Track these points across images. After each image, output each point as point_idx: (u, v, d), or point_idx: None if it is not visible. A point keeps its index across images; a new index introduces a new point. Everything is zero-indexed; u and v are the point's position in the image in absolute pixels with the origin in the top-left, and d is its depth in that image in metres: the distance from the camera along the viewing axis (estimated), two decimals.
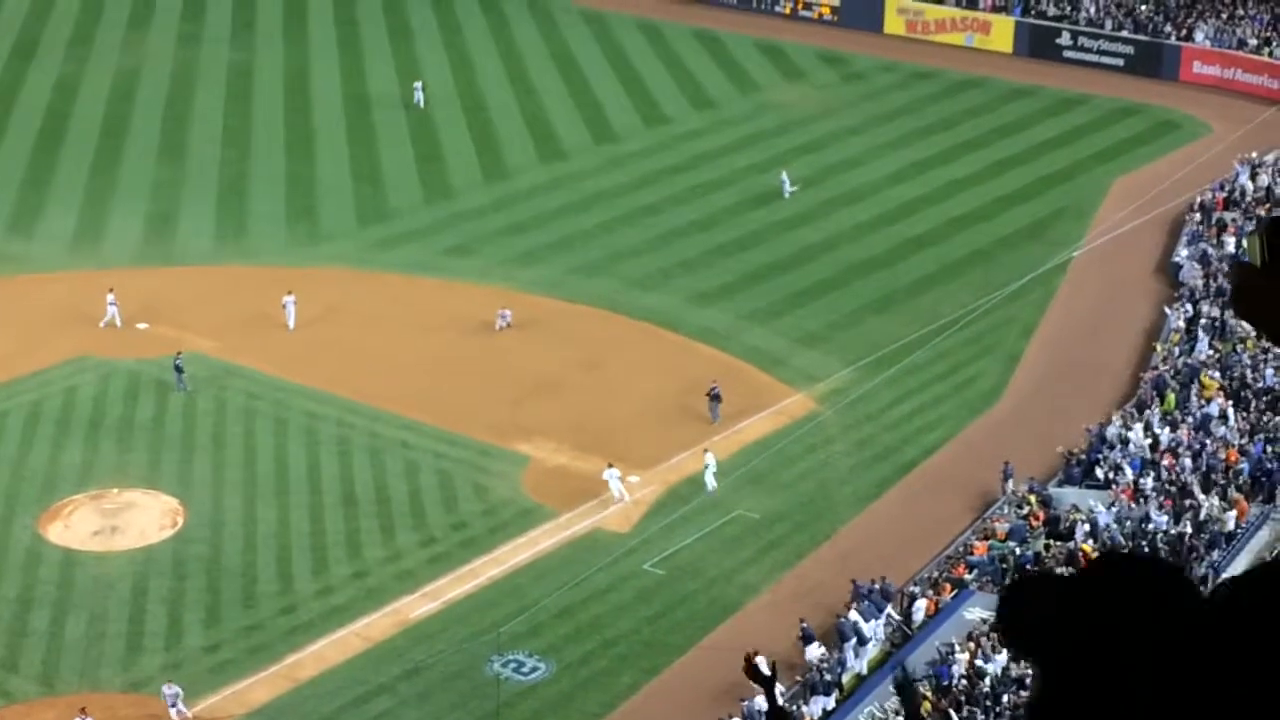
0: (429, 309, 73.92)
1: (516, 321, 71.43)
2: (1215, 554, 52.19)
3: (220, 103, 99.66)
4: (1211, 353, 65.39)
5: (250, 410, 64.71)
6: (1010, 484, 58.87)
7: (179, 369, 65.80)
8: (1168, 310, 71.07)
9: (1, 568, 54.37)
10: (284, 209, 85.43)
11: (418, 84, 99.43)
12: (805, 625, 50.28)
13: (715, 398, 63.80)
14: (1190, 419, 60.50)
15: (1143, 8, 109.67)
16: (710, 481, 59.31)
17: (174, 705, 47.45)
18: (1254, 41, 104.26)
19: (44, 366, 67.77)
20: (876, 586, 52.11)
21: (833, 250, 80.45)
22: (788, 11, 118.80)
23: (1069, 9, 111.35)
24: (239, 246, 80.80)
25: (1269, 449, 57.92)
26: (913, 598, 52.41)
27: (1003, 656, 46.95)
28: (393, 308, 73.85)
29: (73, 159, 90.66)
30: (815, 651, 49.52)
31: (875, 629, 51.06)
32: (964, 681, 46.96)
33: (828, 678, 48.57)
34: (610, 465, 59.15)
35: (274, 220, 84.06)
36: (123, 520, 57.39)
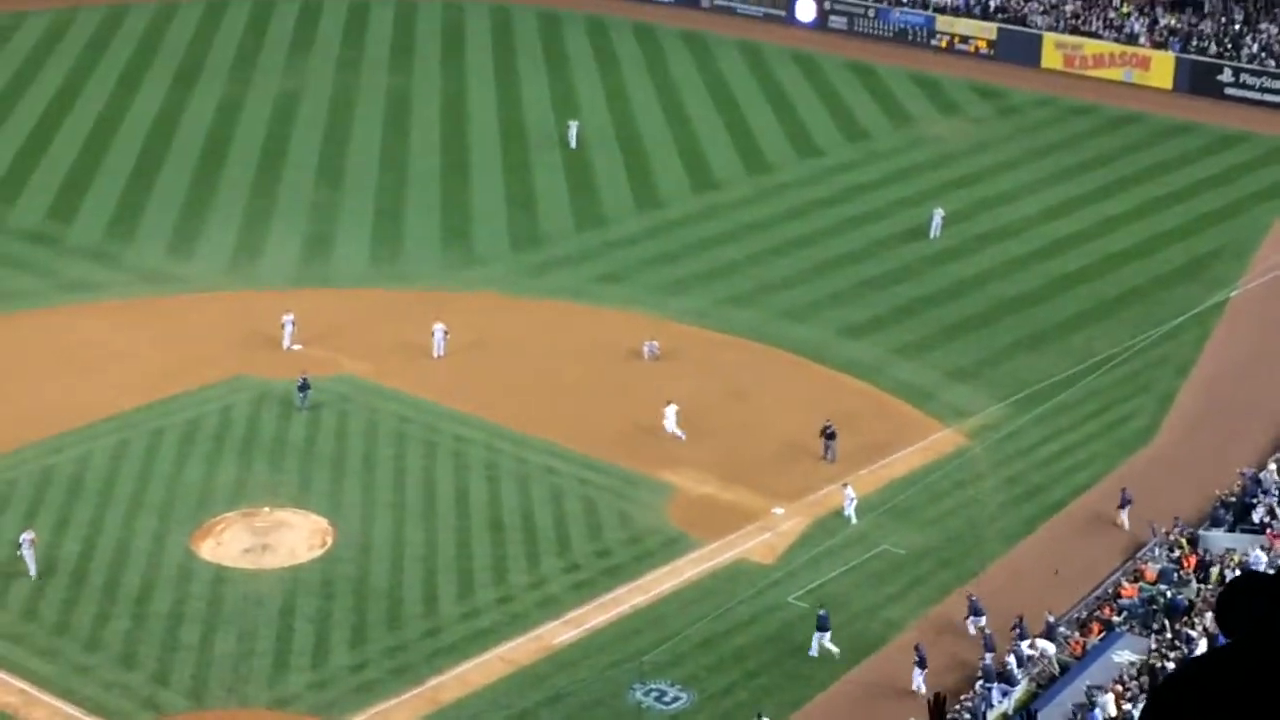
0: (578, 336, 74.17)
1: (664, 350, 71.49)
2: None
3: (378, 127, 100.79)
4: None
5: (401, 434, 65.24)
6: (1125, 512, 58.59)
7: (303, 388, 66.56)
8: None
9: (154, 582, 55.19)
10: (438, 233, 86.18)
11: (572, 123, 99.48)
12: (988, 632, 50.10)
13: (830, 436, 63.45)
14: None
15: None
16: (851, 516, 59.07)
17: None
18: None
19: (201, 385, 68.80)
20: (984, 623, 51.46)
21: (984, 285, 79.76)
22: (944, 45, 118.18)
23: (1230, 46, 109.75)
24: (393, 269, 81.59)
25: None
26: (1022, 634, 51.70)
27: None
28: (543, 334, 74.19)
29: (233, 181, 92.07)
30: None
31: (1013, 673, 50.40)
32: None
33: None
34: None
35: (428, 244, 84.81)
36: (273, 539, 58.05)
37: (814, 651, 51.98)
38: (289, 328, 72.02)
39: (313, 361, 69.72)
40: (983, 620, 52.56)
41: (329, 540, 57.90)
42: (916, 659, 49.72)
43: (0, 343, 72.24)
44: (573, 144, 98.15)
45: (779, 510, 60.02)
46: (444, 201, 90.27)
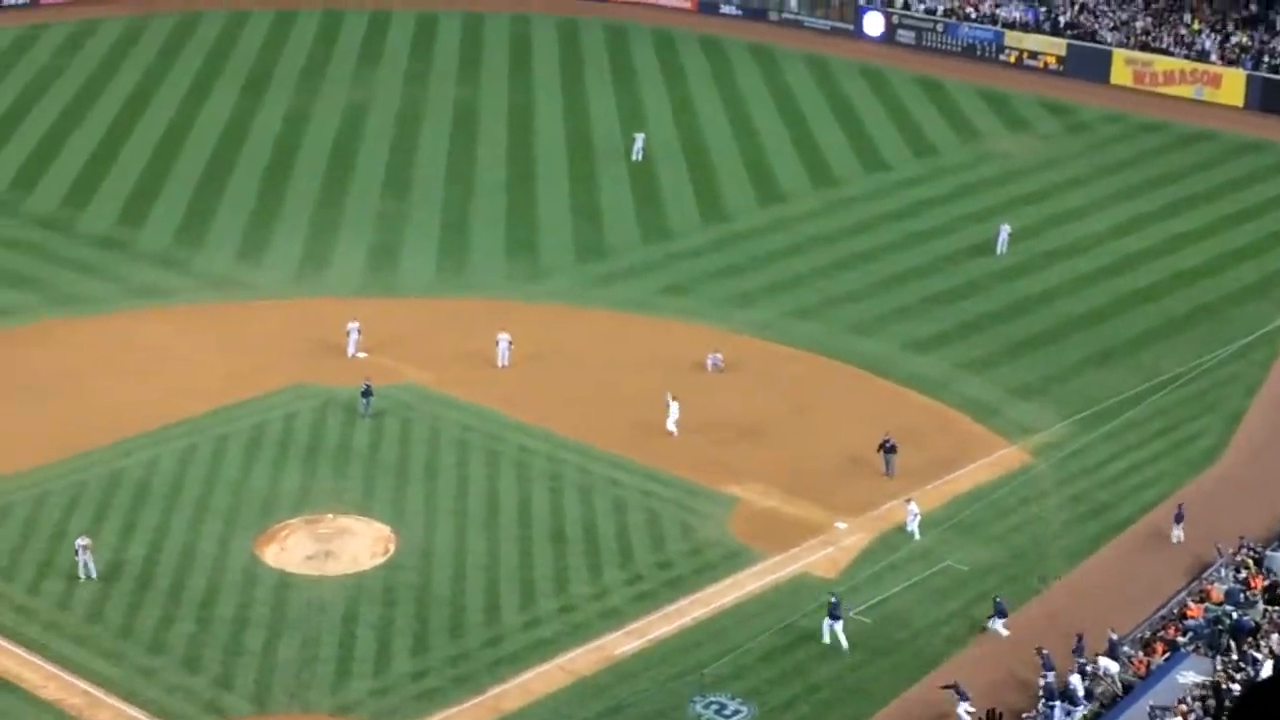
0: (643, 347, 74.23)
1: (728, 362, 71.49)
2: None
3: (445, 138, 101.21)
4: None
5: (463, 442, 65.45)
6: (1179, 529, 58.41)
7: (366, 394, 66.85)
8: None
9: (219, 587, 55.53)
10: (504, 244, 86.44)
11: (638, 135, 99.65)
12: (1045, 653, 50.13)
13: (890, 450, 63.28)
14: None
15: None
16: (914, 531, 58.96)
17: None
18: None
19: (266, 392, 69.21)
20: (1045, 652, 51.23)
21: (1051, 302, 79.41)
22: (1013, 60, 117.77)
23: None
24: (459, 280, 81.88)
25: None
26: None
27: None
28: (607, 345, 74.30)
29: (300, 190, 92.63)
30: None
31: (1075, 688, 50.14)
32: None
33: None
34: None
35: (494, 254, 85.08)
36: (336, 545, 58.30)
37: (825, 638, 52.61)
38: (354, 335, 72.38)
39: (377, 369, 70.03)
40: (999, 624, 53.47)
41: (391, 547, 58.11)
42: (957, 694, 49.42)
43: (71, 347, 72.91)
44: (638, 156, 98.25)
45: (842, 524, 59.90)
46: (510, 213, 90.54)
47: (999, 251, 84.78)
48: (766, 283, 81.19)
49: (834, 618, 52.85)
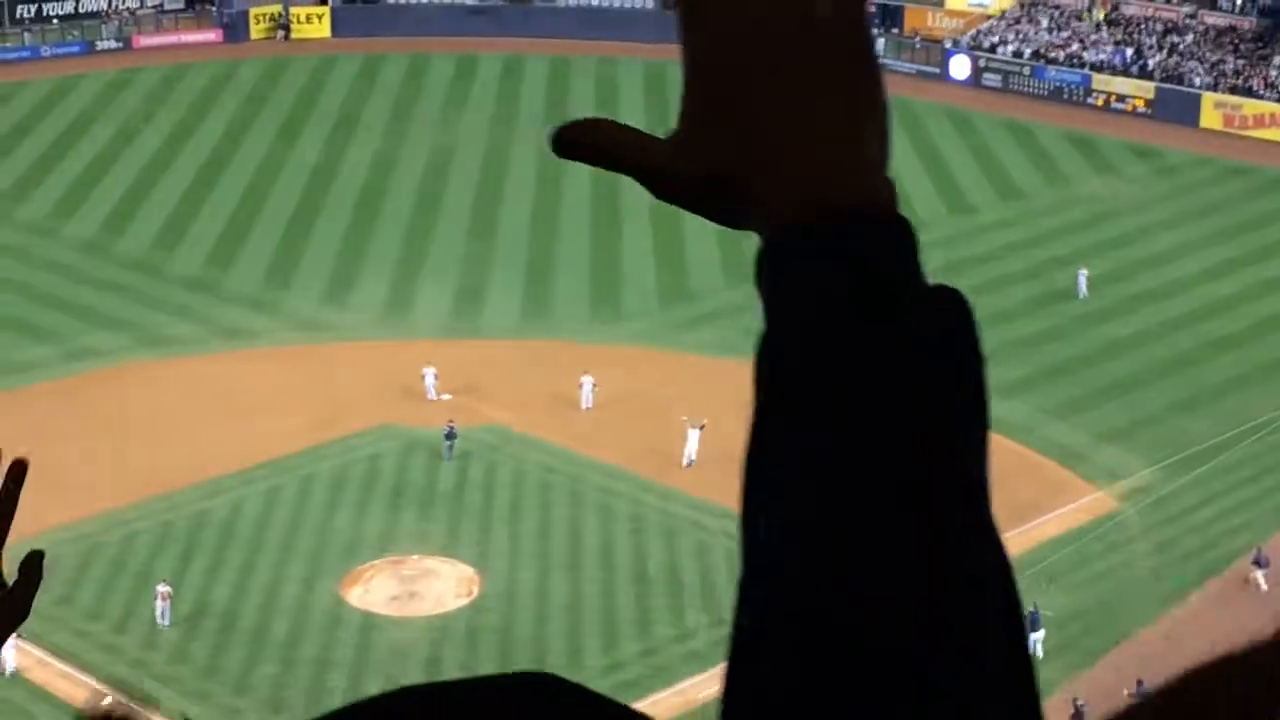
0: (725, 389, 74.13)
1: None
2: None
3: (531, 182, 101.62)
4: None
5: (547, 484, 65.56)
6: (1262, 574, 57.84)
7: (450, 436, 67.06)
8: None
9: (303, 628, 55.80)
10: (588, 287, 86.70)
11: None
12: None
13: None
14: None
15: None
16: None
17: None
18: None
19: (351, 433, 69.58)
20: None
21: (1139, 346, 78.81)
22: (1100, 104, 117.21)
23: None
24: (543, 322, 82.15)
25: None
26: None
27: None
28: (690, 387, 74.25)
29: (387, 232, 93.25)
30: None
31: None
32: None
33: None
34: None
35: (578, 298, 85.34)
36: (421, 587, 58.50)
37: None
38: (430, 380, 72.49)
39: (460, 411, 70.28)
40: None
41: (475, 589, 58.25)
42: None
43: (159, 388, 73.58)
44: None
45: None
46: (594, 256, 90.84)
47: (1081, 296, 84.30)
48: None
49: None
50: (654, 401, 72.87)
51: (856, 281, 2.01)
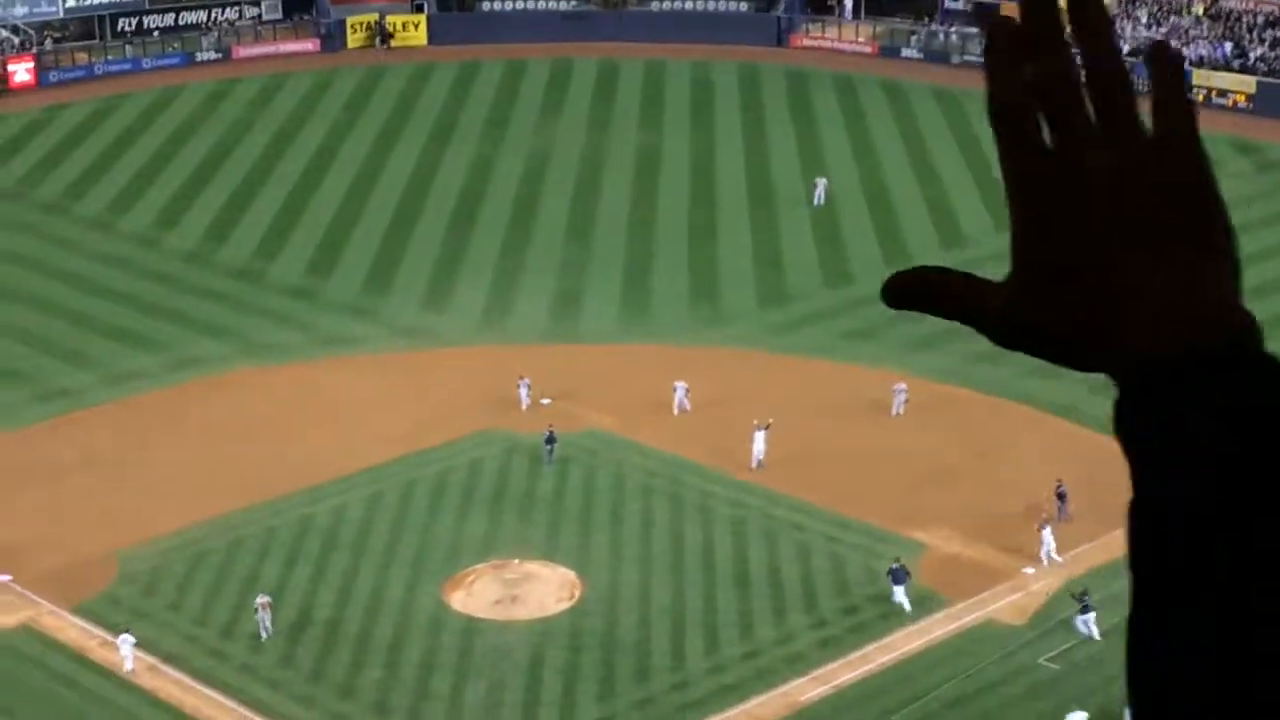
0: (824, 391, 73.96)
1: (912, 407, 70.91)
2: None
3: (627, 185, 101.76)
4: None
5: (647, 487, 65.61)
6: None
7: (550, 441, 67.14)
8: None
9: (407, 631, 56.10)
10: (686, 290, 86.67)
11: (820, 180, 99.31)
12: None
13: (1061, 497, 62.59)
14: None
15: None
16: (1049, 557, 59.48)
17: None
18: None
19: (451, 439, 69.89)
20: None
21: None
22: (1200, 99, 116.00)
23: None
24: (641, 326, 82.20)
25: None
26: None
27: None
28: (789, 389, 74.11)
29: (484, 238, 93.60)
30: None
31: None
32: None
33: None
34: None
35: (676, 301, 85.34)
36: (523, 591, 58.69)
37: (897, 599, 56.31)
38: (524, 391, 72.53)
39: (560, 416, 70.44)
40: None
41: (577, 593, 58.38)
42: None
43: (262, 395, 74.23)
44: (819, 201, 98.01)
45: (1029, 570, 59.16)
46: (691, 259, 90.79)
47: None
48: (950, 326, 79.29)
49: (897, 582, 55.58)
50: (753, 404, 72.65)
51: (1246, 434, 1.83)
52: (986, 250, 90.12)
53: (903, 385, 71.44)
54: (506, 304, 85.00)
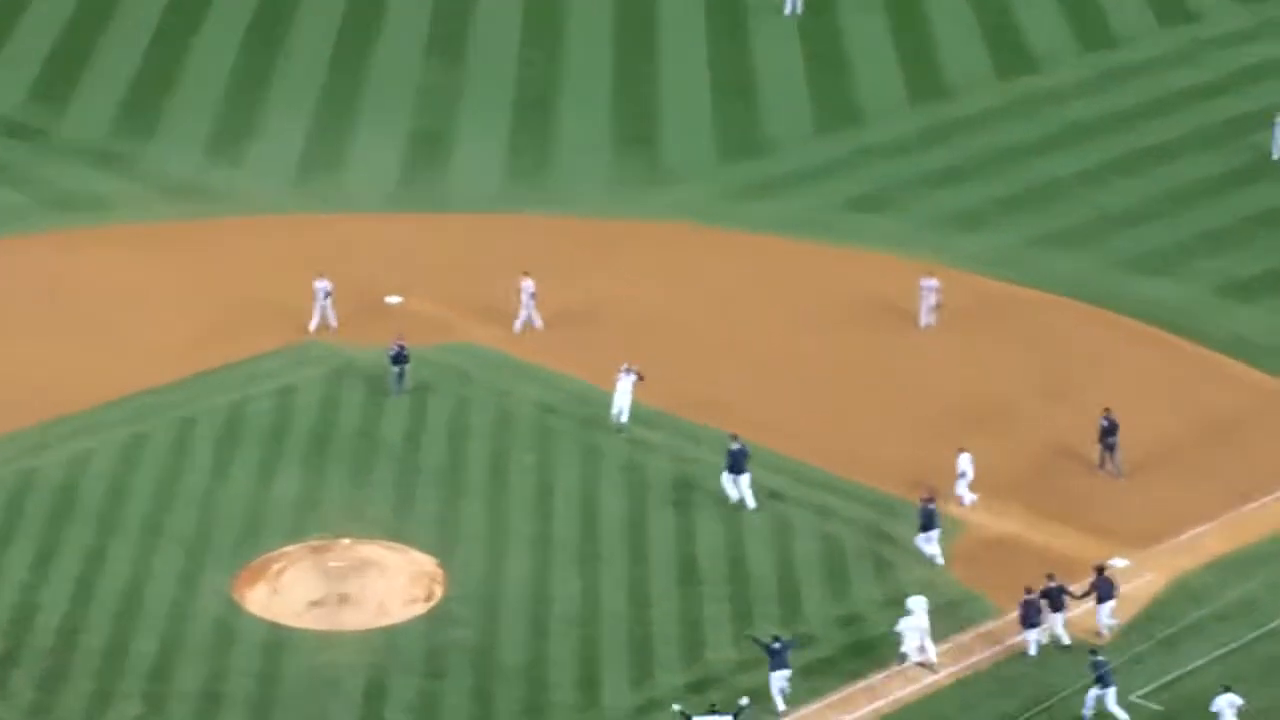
0: (815, 289, 74.11)
1: (948, 312, 71.19)
2: None
3: None
4: None
5: (544, 430, 65.68)
6: None
7: (399, 360, 66.99)
8: None
9: (179, 648, 55.97)
10: (608, 133, 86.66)
11: None
12: None
13: (1107, 432, 62.83)
14: None
15: None
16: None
17: None
18: None
19: (250, 354, 69.72)
20: None
21: None
22: None
23: None
24: (539, 187, 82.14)
25: None
26: None
27: None
28: (760, 285, 74.23)
29: (299, 55, 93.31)
30: None
31: None
32: None
33: None
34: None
35: (592, 151, 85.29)
36: (355, 586, 58.76)
37: (928, 551, 59.27)
38: (321, 300, 71.66)
39: (414, 322, 70.39)
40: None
41: (438, 589, 58.53)
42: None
43: None
44: (797, 10, 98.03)
45: (1121, 561, 59.57)
46: (617, 88, 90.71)
47: (1277, 154, 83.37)
48: (1006, 193, 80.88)
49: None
50: (707, 307, 72.76)
51: None
52: (1063, 79, 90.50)
53: (934, 281, 71.61)
54: (335, 152, 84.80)
